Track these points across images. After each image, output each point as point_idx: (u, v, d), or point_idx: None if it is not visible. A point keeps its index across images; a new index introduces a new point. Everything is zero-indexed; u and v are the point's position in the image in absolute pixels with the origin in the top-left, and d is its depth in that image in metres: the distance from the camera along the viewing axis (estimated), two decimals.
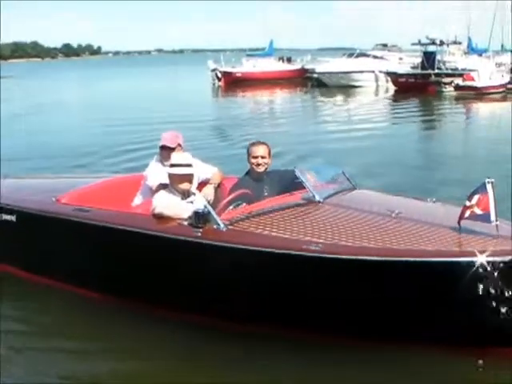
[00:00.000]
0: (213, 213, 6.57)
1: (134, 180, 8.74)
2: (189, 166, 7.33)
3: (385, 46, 64.70)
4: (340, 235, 6.28)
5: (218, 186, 8.19)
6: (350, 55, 56.53)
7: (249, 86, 52.68)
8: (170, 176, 7.33)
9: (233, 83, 55.00)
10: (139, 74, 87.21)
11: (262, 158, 7.80)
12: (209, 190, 7.99)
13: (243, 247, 6.25)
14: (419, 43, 49.22)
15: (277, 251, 6.12)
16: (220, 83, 57.00)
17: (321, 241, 6.17)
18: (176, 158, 7.42)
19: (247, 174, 7.97)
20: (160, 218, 7.04)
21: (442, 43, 49.43)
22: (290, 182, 7.60)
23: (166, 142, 8.08)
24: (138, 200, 8.33)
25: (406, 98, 39.98)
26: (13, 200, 8.52)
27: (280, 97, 47.88)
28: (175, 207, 7.08)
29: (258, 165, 7.81)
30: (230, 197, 7.07)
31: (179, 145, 8.10)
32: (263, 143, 7.94)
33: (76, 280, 7.82)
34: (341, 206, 7.10)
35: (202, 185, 8.08)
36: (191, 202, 7.27)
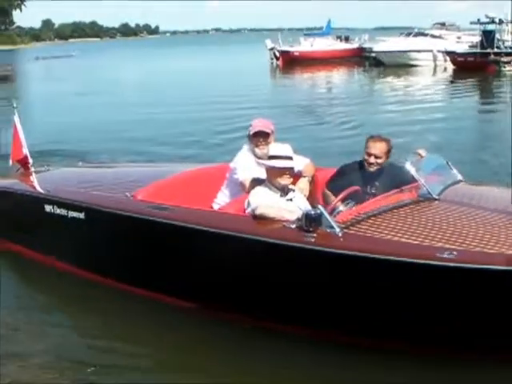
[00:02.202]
0: (326, 215, 5.66)
1: (215, 172, 7.85)
2: (290, 158, 6.42)
3: (443, 25, 62.80)
4: (470, 239, 5.38)
5: (311, 179, 7.23)
6: (408, 34, 55.05)
7: (307, 65, 51.61)
8: (268, 170, 6.44)
9: (290, 62, 53.97)
10: (197, 53, 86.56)
11: (376, 157, 6.92)
12: (303, 185, 7.01)
13: (367, 255, 5.34)
14: (478, 22, 47.52)
15: (410, 260, 5.19)
16: (278, 62, 56.08)
17: (453, 247, 5.26)
18: (275, 149, 6.52)
19: (358, 163, 7.10)
20: (261, 219, 6.10)
21: (501, 22, 47.65)
22: (398, 177, 6.68)
23: (261, 128, 7.14)
24: (222, 196, 7.44)
25: (464, 77, 38.45)
26: (80, 195, 7.68)
27: (337, 76, 46.76)
28: (279, 207, 6.19)
29: (370, 164, 6.94)
30: (341, 195, 6.16)
31: (272, 131, 7.21)
32: (383, 140, 7.02)
33: (159, 287, 6.97)
34: (457, 203, 6.23)
35: (294, 178, 6.96)
36: (290, 200, 6.42)
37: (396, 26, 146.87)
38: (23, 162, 8.99)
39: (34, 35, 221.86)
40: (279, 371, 5.76)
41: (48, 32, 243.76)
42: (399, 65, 48.51)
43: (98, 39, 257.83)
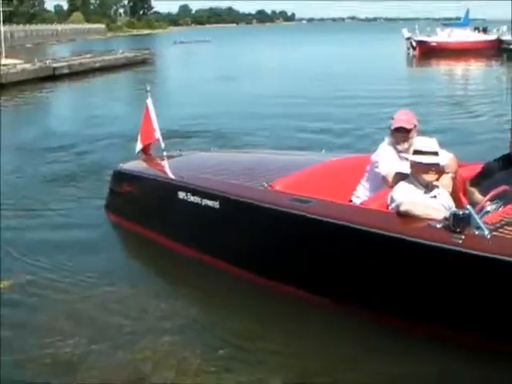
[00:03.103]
0: (475, 216, 5.46)
1: (354, 164, 7.61)
2: (435, 153, 6.20)
3: None
4: None
5: (454, 176, 6.88)
6: None
7: (444, 56, 50.40)
8: (413, 165, 6.23)
9: (427, 52, 52.83)
10: (334, 41, 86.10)
11: None
12: (447, 181, 6.64)
13: None
14: None
15: None
16: (414, 52, 55.10)
17: None
18: (421, 143, 6.26)
19: (507, 158, 6.76)
20: (406, 217, 5.92)
21: None
22: None
23: (403, 123, 6.85)
24: (363, 190, 7.22)
25: None
26: (215, 183, 7.62)
27: (476, 68, 45.51)
28: (424, 204, 6.01)
29: None
30: (490, 195, 5.97)
31: (415, 126, 6.96)
32: None
33: (290, 280, 6.80)
34: None
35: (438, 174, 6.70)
36: (434, 197, 6.22)
37: None
38: (149, 147, 9.09)
39: (172, 20, 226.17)
40: None
41: (185, 17, 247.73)
42: None
43: (235, 25, 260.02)
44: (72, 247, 8.61)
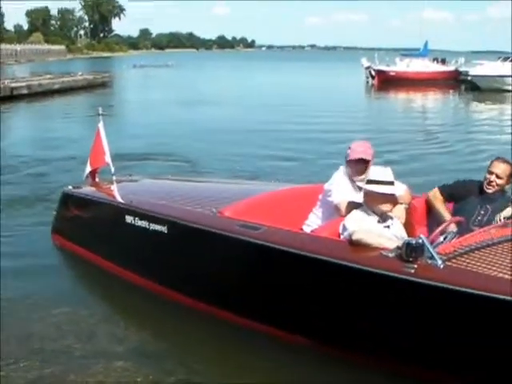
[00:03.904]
0: (428, 245, 5.38)
1: (307, 193, 7.50)
2: (391, 183, 6.14)
3: None
4: None
5: (408, 207, 6.86)
6: (505, 59, 53.75)
7: (402, 85, 50.98)
8: (368, 194, 6.15)
9: (386, 82, 53.42)
10: (293, 68, 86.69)
11: (497, 177, 6.76)
12: (400, 212, 6.58)
13: (470, 290, 5.04)
14: None
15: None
16: (373, 81, 55.65)
17: None
18: (377, 173, 6.19)
19: (477, 182, 7.03)
20: (358, 245, 5.82)
21: None
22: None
23: (362, 155, 6.76)
24: (314, 218, 7.10)
25: None
26: (164, 208, 7.49)
27: (434, 99, 46.02)
28: (378, 234, 5.92)
29: (490, 182, 6.79)
30: (443, 226, 5.94)
31: (373, 157, 6.89)
32: (508, 163, 6.87)
33: (239, 309, 6.63)
34: None
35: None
36: (388, 227, 6.15)
37: (493, 49, 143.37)
38: (98, 171, 9.01)
39: (132, 43, 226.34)
40: None
41: (145, 41, 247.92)
42: (495, 89, 47.37)
43: (194, 50, 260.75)
44: (20, 273, 8.47)
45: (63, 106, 37.60)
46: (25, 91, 39.99)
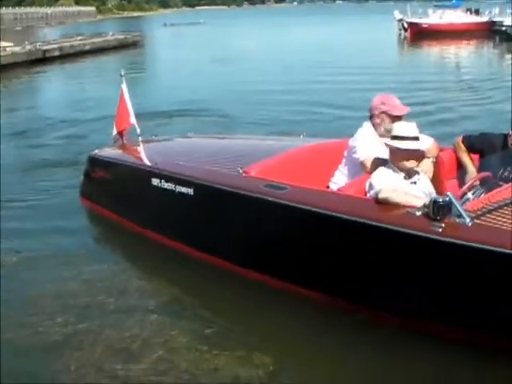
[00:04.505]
0: (457, 203, 5.26)
1: (332, 149, 7.35)
2: (416, 138, 5.95)
3: None
4: None
5: (435, 161, 6.68)
6: None
7: (435, 37, 50.01)
8: (392, 151, 5.99)
9: (419, 34, 52.56)
10: (327, 22, 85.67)
11: None
12: (427, 167, 6.42)
13: (499, 249, 4.92)
14: None
15: None
16: (406, 34, 54.82)
17: None
18: (402, 128, 5.98)
19: (503, 137, 6.71)
20: (385, 204, 5.69)
21: None
22: None
23: (397, 111, 6.59)
24: (340, 175, 6.96)
25: None
26: (190, 170, 7.43)
27: (468, 51, 45.26)
28: (404, 192, 5.76)
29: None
30: (470, 182, 5.84)
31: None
32: None
33: (264, 269, 6.62)
34: None
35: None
36: (414, 183, 6.00)
37: None
38: (124, 133, 8.96)
39: (162, 2, 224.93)
40: None
41: None
42: None
43: (225, 7, 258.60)
44: (51, 232, 8.71)
45: (95, 66, 37.72)
46: (57, 53, 40.22)
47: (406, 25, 55.33)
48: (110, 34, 52.89)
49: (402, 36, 55.19)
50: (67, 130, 16.34)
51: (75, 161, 12.11)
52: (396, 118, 6.54)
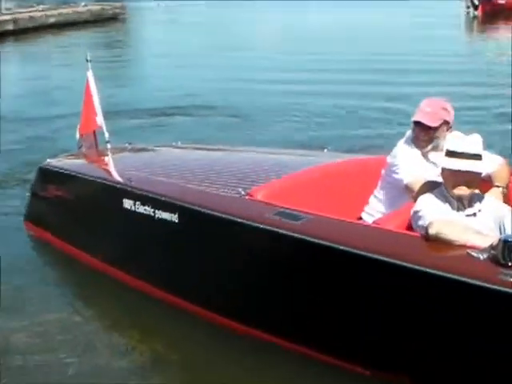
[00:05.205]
0: None
1: (365, 168, 7.38)
2: (478, 157, 5.80)
3: None
4: None
5: (505, 189, 6.53)
6: None
7: None
8: (444, 172, 5.89)
9: (493, 13, 52.49)
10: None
11: None
12: (496, 196, 6.33)
13: None
14: None
15: None
16: (476, 12, 54.74)
17: None
18: (457, 141, 5.85)
19: None
20: (437, 242, 5.55)
21: None
22: None
23: (423, 119, 6.53)
24: (376, 203, 6.96)
25: None
26: (175, 189, 7.35)
27: None
28: (462, 225, 5.64)
29: None
30: None
31: (446, 122, 6.59)
32: None
33: (269, 328, 6.50)
34: None
35: (483, 186, 6.25)
36: (473, 215, 5.88)
37: None
38: (90, 137, 8.95)
39: None
40: None
41: None
42: None
43: None
44: None
45: (61, 46, 37.73)
46: (10, 27, 40.37)
47: (476, 1, 55.24)
48: (83, 4, 52.87)
49: (471, 14, 55.11)
50: (23, 132, 16.36)
51: (27, 173, 11.93)
52: (419, 128, 6.57)
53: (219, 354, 6.71)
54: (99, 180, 8.20)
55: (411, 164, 6.54)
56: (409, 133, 6.79)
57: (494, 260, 5.20)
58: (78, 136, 8.95)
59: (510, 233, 5.54)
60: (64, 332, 7.17)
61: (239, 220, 6.53)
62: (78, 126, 8.85)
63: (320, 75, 24.22)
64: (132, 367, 6.62)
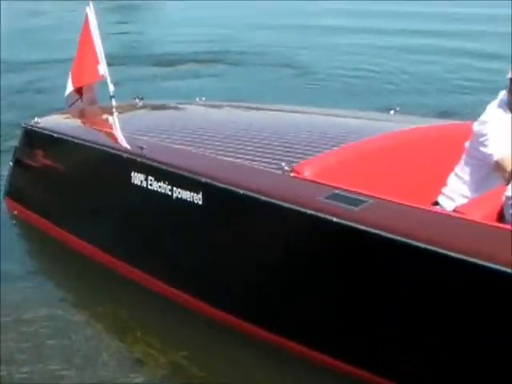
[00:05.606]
0: None
1: (443, 137, 7.11)
2: None
3: None
4: None
5: None
6: None
7: None
8: None
9: None
10: None
11: None
12: None
13: None
14: None
15: None
16: None
17: None
18: None
19: None
20: None
21: None
22: None
23: None
24: (457, 184, 6.65)
25: None
26: (199, 161, 7.03)
27: None
28: None
29: None
30: None
31: None
32: None
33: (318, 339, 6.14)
34: None
35: None
36: None
37: None
38: (86, 92, 8.65)
39: None
40: None
41: None
42: None
43: None
44: None
45: None
46: None
47: None
48: None
49: None
50: (15, 80, 16.31)
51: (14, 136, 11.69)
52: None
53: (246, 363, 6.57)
54: (100, 147, 7.83)
55: (505, 134, 6.19)
56: (503, 94, 6.43)
57: None
58: (68, 90, 8.63)
59: None
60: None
61: (281, 203, 6.14)
62: (70, 77, 8.51)
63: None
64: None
